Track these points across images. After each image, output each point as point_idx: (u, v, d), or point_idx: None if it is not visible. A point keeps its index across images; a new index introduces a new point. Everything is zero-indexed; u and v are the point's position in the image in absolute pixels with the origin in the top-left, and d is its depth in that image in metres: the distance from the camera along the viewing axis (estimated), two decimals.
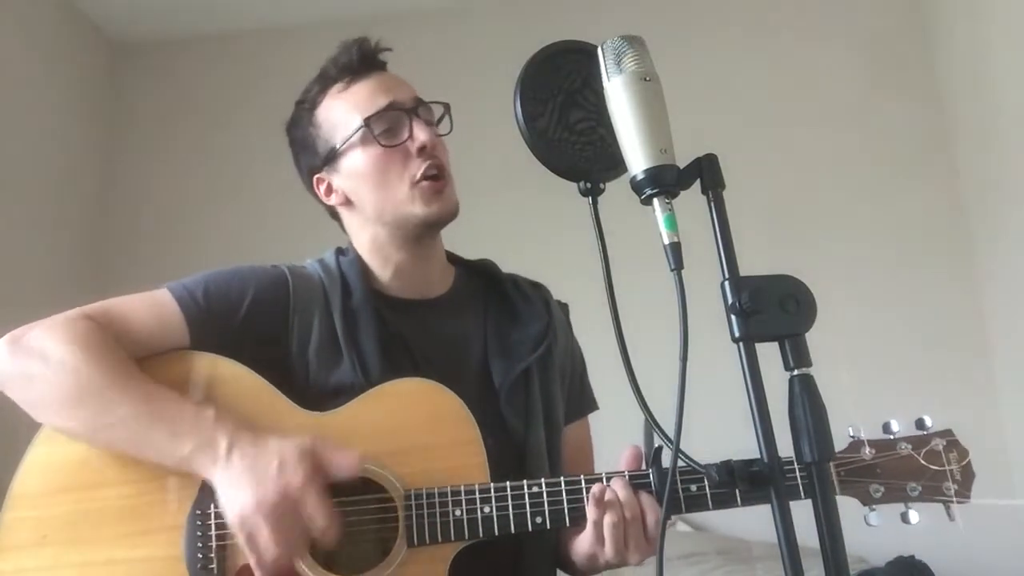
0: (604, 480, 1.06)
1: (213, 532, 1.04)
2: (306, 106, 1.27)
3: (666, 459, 1.04)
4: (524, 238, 2.94)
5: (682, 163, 0.82)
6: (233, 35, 3.53)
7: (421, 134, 1.18)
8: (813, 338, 0.76)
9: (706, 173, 0.82)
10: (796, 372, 0.75)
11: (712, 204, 0.81)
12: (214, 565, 1.04)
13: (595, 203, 0.92)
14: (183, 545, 1.04)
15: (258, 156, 3.38)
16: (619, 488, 1.04)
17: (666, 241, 0.79)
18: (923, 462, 1.05)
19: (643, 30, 0.87)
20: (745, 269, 0.78)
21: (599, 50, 0.85)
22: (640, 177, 0.81)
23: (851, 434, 1.08)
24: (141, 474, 1.06)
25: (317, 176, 1.27)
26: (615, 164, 0.88)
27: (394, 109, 1.19)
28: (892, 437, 1.08)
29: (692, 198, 0.83)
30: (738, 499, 1.04)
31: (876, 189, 2.97)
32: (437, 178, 1.19)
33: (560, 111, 0.93)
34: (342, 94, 1.23)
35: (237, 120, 3.44)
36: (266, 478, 0.97)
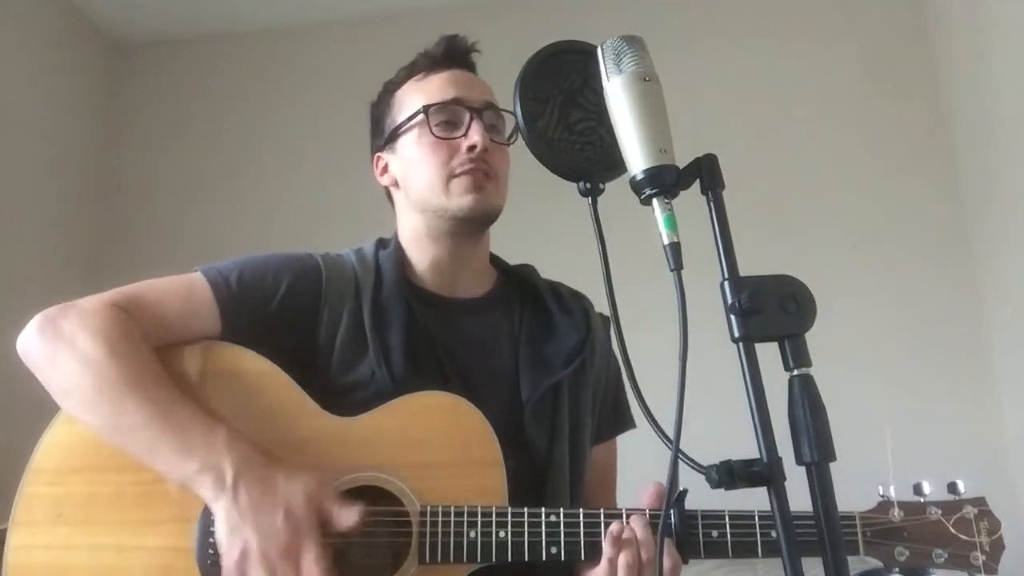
0: (624, 516, 1.04)
1: None
2: (390, 88, 1.29)
3: (689, 501, 1.02)
4: (524, 238, 2.94)
5: (682, 163, 0.81)
6: (233, 35, 3.53)
7: (475, 135, 1.17)
8: (813, 338, 0.76)
9: (706, 173, 0.82)
10: (796, 372, 0.75)
11: (712, 204, 0.81)
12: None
13: (595, 203, 0.92)
14: (194, 538, 1.04)
15: (259, 155, 3.40)
16: (638, 527, 1.02)
17: (666, 241, 0.79)
18: (952, 530, 1.03)
19: (643, 30, 0.87)
20: (745, 269, 0.78)
21: (599, 50, 0.85)
22: (640, 177, 0.80)
23: (880, 493, 1.06)
24: None
25: (378, 154, 1.29)
26: (615, 164, 0.87)
27: (458, 104, 1.20)
28: (922, 500, 1.05)
29: (692, 198, 0.83)
30: (759, 550, 1.02)
31: (876, 189, 2.97)
32: (482, 174, 1.18)
33: (560, 111, 0.92)
34: (420, 82, 1.25)
35: (237, 120, 3.44)
36: (270, 526, 0.97)
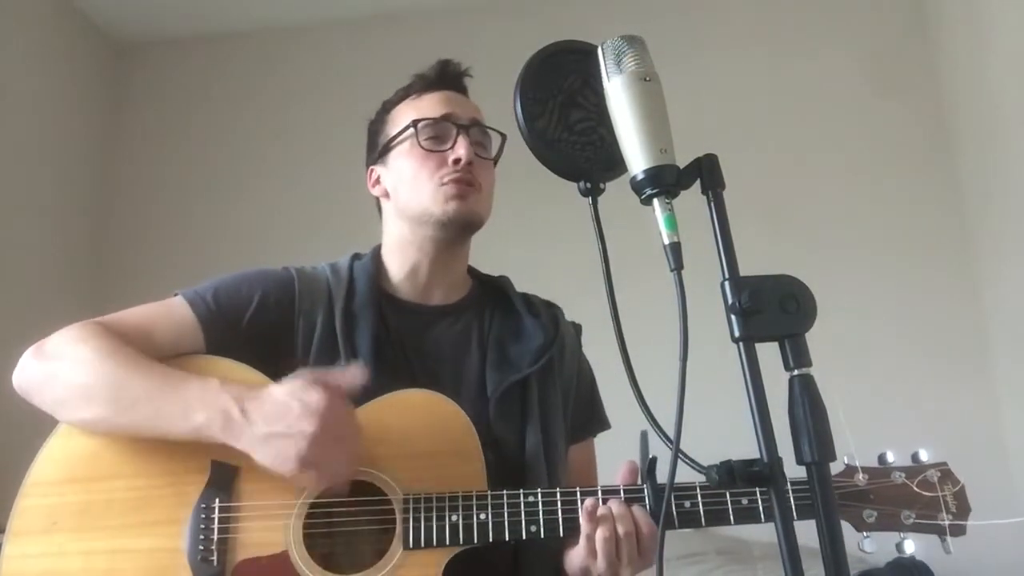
0: (599, 494, 1.08)
1: (215, 526, 1.07)
2: (386, 107, 1.35)
3: (661, 471, 1.03)
4: (524, 238, 2.94)
5: (682, 163, 0.81)
6: (233, 35, 3.53)
7: (461, 148, 1.24)
8: (812, 338, 0.76)
9: (706, 173, 0.82)
10: (796, 372, 0.75)
11: (712, 204, 0.81)
12: (214, 558, 1.06)
13: (595, 203, 0.92)
14: (185, 537, 1.07)
15: (259, 155, 3.40)
16: (614, 504, 1.06)
17: (666, 241, 0.79)
18: (916, 490, 1.07)
19: (643, 30, 0.87)
20: (745, 269, 0.78)
21: (599, 50, 0.85)
22: (640, 177, 0.81)
23: (845, 461, 1.10)
24: (151, 467, 1.10)
25: (372, 167, 1.35)
26: (615, 164, 0.88)
27: (447, 121, 1.26)
28: (886, 466, 1.09)
29: (692, 198, 0.83)
30: (731, 517, 1.07)
31: (876, 188, 2.97)
32: (466, 184, 1.23)
33: (560, 111, 0.93)
34: (414, 101, 1.31)
35: (238, 120, 3.44)
36: (293, 419, 1.00)
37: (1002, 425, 2.67)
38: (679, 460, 0.78)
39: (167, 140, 3.48)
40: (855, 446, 1.07)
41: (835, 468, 1.07)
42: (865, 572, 2.18)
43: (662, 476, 1.04)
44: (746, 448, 0.75)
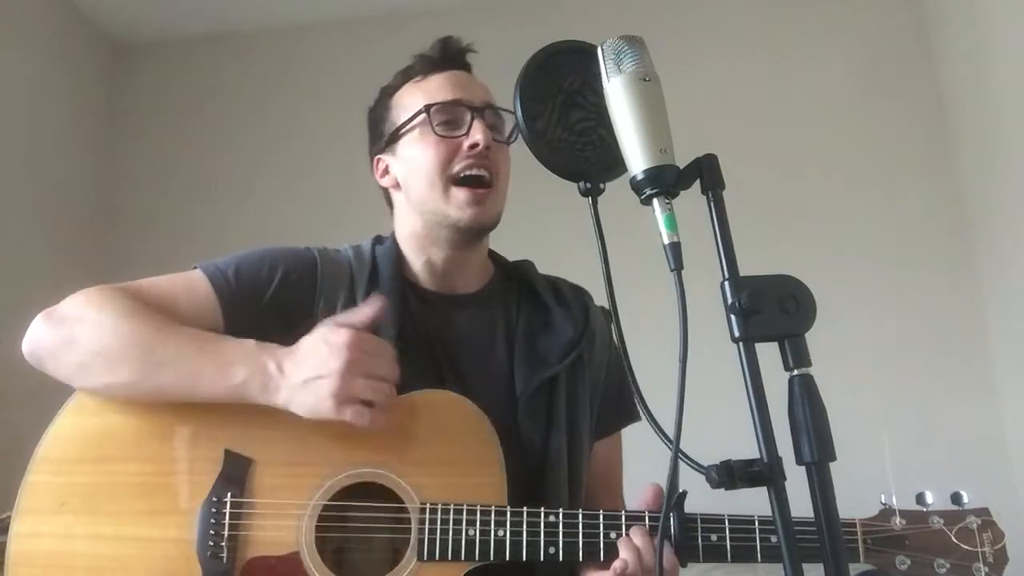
0: (623, 520, 1.05)
1: (227, 521, 1.05)
2: (387, 92, 1.30)
3: (689, 505, 1.02)
4: (524, 238, 2.93)
5: (682, 163, 0.81)
6: (233, 35, 3.54)
7: (478, 133, 1.18)
8: (812, 339, 0.76)
9: (706, 173, 0.82)
10: (796, 372, 0.75)
11: (712, 204, 0.81)
12: (224, 554, 1.04)
13: (595, 203, 0.92)
14: (195, 530, 1.05)
15: (259, 155, 3.40)
16: (637, 537, 1.02)
17: (666, 241, 0.79)
18: (955, 540, 1.02)
19: (643, 30, 0.87)
20: (745, 269, 0.78)
21: (599, 50, 0.85)
22: (640, 177, 0.80)
23: (883, 502, 1.05)
24: (162, 453, 1.08)
25: (378, 157, 1.29)
26: (615, 164, 0.87)
27: (459, 105, 1.21)
28: (925, 510, 1.04)
29: (692, 198, 0.83)
30: (758, 555, 1.02)
31: (876, 188, 2.97)
32: (481, 184, 1.19)
33: (560, 111, 0.92)
34: (419, 84, 1.25)
35: (237, 120, 3.44)
36: (323, 360, 1.00)
37: (1002, 425, 2.67)
38: (679, 460, 0.78)
39: (166, 140, 3.48)
40: (895, 486, 1.04)
41: (871, 510, 1.05)
42: (865, 572, 2.18)
43: (689, 508, 1.02)
44: (746, 448, 0.75)
